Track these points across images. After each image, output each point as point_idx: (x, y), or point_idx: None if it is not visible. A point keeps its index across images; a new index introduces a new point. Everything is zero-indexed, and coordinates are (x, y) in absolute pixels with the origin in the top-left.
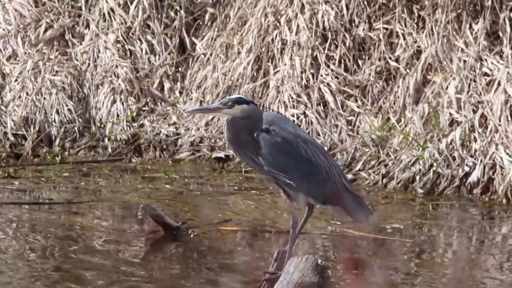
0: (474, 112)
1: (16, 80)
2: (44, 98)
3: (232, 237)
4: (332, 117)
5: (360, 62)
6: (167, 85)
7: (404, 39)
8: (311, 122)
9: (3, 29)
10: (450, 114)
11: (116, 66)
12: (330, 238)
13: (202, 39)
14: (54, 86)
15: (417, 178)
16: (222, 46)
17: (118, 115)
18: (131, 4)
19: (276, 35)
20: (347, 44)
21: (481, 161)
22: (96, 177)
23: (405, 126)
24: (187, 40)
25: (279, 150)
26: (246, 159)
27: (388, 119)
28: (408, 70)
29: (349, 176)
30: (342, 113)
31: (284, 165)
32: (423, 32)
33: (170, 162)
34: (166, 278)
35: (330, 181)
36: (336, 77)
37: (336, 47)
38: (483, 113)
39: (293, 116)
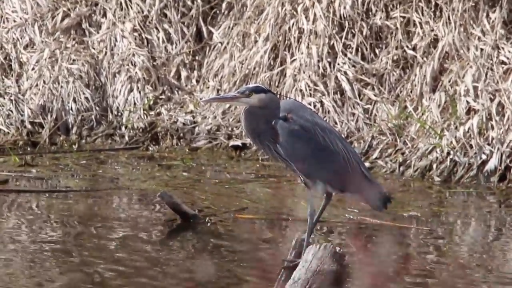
0: (491, 100)
1: (33, 69)
2: (61, 87)
3: (249, 225)
4: (349, 105)
5: (377, 50)
6: (184, 73)
7: (421, 27)
8: (328, 111)
9: (20, 18)
10: (467, 102)
11: (133, 55)
12: (348, 226)
13: (219, 27)
14: (71, 75)
15: (434, 166)
16: (239, 34)
17: (135, 104)
18: None
19: (293, 24)
20: (364, 33)
21: (498, 149)
22: (114, 165)
23: (422, 114)
24: (204, 28)
25: (297, 138)
26: (264, 148)
27: (405, 107)
28: (425, 59)
29: (366, 164)
30: (359, 101)
31: (302, 153)
32: (440, 21)
33: (187, 150)
34: (183, 266)
35: (348, 168)
36: (353, 66)
37: (353, 35)
38: (500, 101)
39: (310, 104)
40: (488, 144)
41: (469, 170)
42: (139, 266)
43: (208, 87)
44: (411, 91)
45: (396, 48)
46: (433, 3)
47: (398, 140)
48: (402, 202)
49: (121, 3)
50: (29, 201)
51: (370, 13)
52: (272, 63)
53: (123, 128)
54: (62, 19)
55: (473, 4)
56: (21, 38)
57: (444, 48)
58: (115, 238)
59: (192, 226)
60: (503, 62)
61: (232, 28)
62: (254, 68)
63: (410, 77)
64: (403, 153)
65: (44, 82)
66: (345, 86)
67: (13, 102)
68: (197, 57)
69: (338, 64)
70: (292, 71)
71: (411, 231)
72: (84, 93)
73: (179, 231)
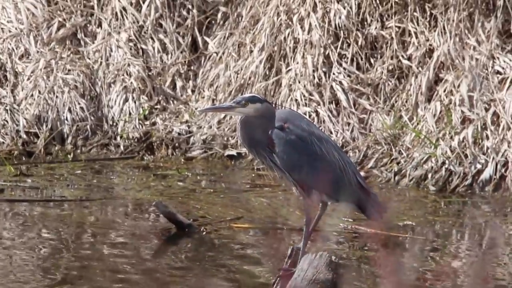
0: (486, 110)
1: (28, 79)
2: (57, 97)
3: (245, 234)
4: (344, 115)
5: (372, 60)
6: (179, 83)
7: (417, 37)
8: (323, 120)
9: (16, 28)
10: (462, 112)
11: (128, 65)
12: (343, 235)
13: (215, 37)
14: (66, 85)
15: (429, 175)
16: (234, 44)
17: (130, 113)
18: (143, 3)
19: (289, 34)
20: (359, 43)
21: (493, 158)
22: (109, 175)
23: (417, 124)
24: (199, 38)
25: (294, 147)
26: (260, 158)
27: (400, 117)
28: (420, 69)
29: (362, 173)
30: (354, 111)
31: (299, 163)
32: (435, 31)
33: (182, 160)
34: (178, 275)
35: (344, 178)
36: (349, 76)
37: (349, 45)
38: (495, 111)
39: (305, 114)
40: (483, 154)
41: (464, 179)
42: (135, 275)
43: (204, 97)
44: (406, 101)
45: (391, 58)
46: (428, 12)
47: (393, 150)
48: (397, 211)
49: (116, 13)
50: (24, 210)
51: (365, 23)
52: (267, 73)
53: (118, 138)
54: (58, 29)
55: (468, 14)
56: (16, 48)
57: (439, 58)
58: (110, 247)
59: (187, 236)
60: (498, 72)
61: (227, 38)
62: (250, 78)
63: (405, 87)
64: (398, 163)
65: (39, 92)
66: (341, 95)
67: (8, 112)
68: (192, 67)
69: (333, 74)
70: (287, 81)
71: (406, 240)
72: (79, 103)
73: (174, 241)
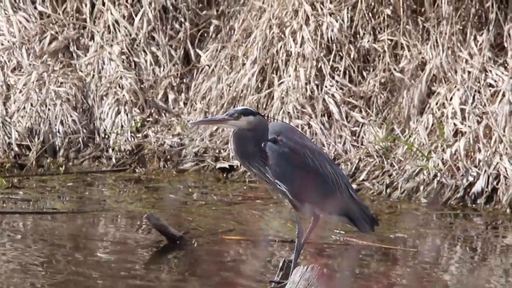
0: (479, 122)
1: (20, 92)
2: (49, 109)
3: (236, 246)
4: (336, 127)
5: (364, 73)
6: (171, 96)
7: (409, 50)
8: (316, 133)
9: (8, 41)
10: (455, 124)
11: (121, 78)
12: (334, 247)
13: (207, 50)
14: (58, 97)
15: (421, 188)
16: (226, 57)
17: (122, 126)
18: (136, 16)
19: (281, 47)
20: (351, 56)
21: (485, 171)
22: (100, 187)
23: (409, 136)
24: (191, 51)
25: (286, 160)
26: (253, 170)
27: (393, 129)
28: (412, 81)
29: (353, 186)
30: (347, 124)
31: (291, 175)
32: (427, 44)
33: (174, 172)
34: None
35: (336, 191)
36: (341, 88)
37: (341, 58)
38: (487, 123)
39: (297, 126)
40: (475, 166)
41: (456, 192)
42: None
43: (196, 110)
44: (398, 114)
45: (384, 71)
46: (421, 26)
47: (385, 162)
48: (388, 224)
49: (109, 26)
50: (16, 222)
51: (358, 36)
52: (260, 85)
53: (110, 150)
54: (50, 42)
55: (461, 27)
56: (8, 61)
57: (432, 71)
58: (102, 260)
59: (178, 248)
60: (490, 85)
61: (219, 51)
62: (242, 91)
63: (398, 100)
64: (390, 175)
65: (31, 104)
66: (333, 108)
67: (0, 124)
68: (184, 80)
69: (326, 86)
70: (279, 93)
71: (397, 253)
72: (71, 116)
73: (166, 253)
